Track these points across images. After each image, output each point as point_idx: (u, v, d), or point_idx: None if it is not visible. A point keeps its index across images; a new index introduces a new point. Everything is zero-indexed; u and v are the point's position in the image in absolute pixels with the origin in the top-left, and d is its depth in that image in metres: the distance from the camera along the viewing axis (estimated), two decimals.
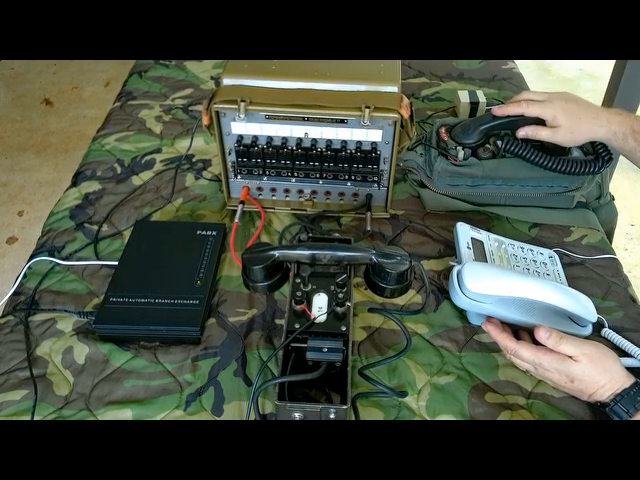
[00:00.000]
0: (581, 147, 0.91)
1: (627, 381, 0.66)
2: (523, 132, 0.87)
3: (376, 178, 0.92)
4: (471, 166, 0.91)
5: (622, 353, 0.74)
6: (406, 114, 0.82)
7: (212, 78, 1.29)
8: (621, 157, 0.91)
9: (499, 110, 0.88)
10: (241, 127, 0.87)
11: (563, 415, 0.70)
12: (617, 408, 0.65)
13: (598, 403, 0.67)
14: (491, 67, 1.33)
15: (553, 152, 0.88)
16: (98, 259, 0.89)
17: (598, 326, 0.78)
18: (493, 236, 0.87)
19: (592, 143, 0.89)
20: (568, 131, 0.84)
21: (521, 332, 0.75)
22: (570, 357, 0.67)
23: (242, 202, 0.94)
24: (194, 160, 1.07)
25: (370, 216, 0.92)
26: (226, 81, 0.85)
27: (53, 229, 0.95)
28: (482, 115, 1.00)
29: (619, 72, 1.68)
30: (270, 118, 0.85)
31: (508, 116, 0.88)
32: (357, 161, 0.89)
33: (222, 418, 0.70)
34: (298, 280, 0.73)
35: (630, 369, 0.68)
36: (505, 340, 0.71)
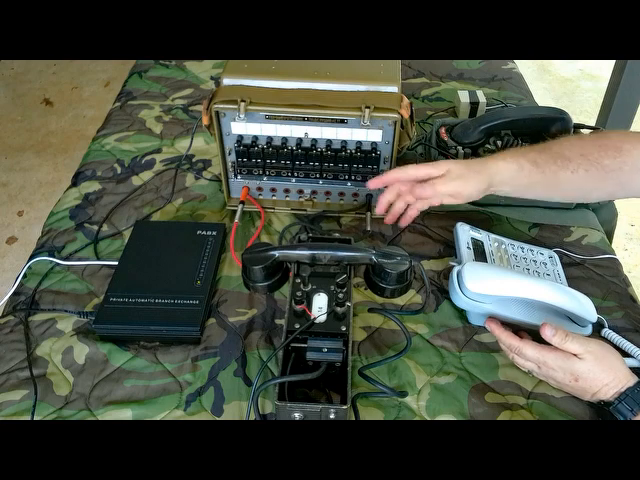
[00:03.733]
0: None
1: (631, 380, 0.66)
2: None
3: None
4: None
5: (622, 353, 0.74)
6: (406, 114, 0.82)
7: (212, 78, 1.29)
8: None
9: (373, 182, 0.81)
10: (241, 127, 0.87)
11: (563, 415, 0.70)
12: (621, 407, 0.65)
13: (602, 402, 0.67)
14: (491, 67, 1.33)
15: None
16: (98, 259, 0.89)
17: (598, 326, 0.78)
18: (493, 236, 0.87)
19: None
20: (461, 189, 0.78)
21: (521, 332, 0.75)
22: (575, 355, 0.67)
23: (242, 202, 0.94)
24: (194, 160, 1.07)
25: (370, 216, 0.92)
26: (226, 81, 0.85)
27: (53, 229, 0.95)
28: (482, 115, 1.00)
29: (619, 72, 1.68)
30: (270, 118, 0.85)
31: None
32: (357, 161, 0.89)
33: (222, 418, 0.70)
34: (298, 280, 0.73)
35: (630, 369, 0.68)
36: (509, 338, 0.71)
